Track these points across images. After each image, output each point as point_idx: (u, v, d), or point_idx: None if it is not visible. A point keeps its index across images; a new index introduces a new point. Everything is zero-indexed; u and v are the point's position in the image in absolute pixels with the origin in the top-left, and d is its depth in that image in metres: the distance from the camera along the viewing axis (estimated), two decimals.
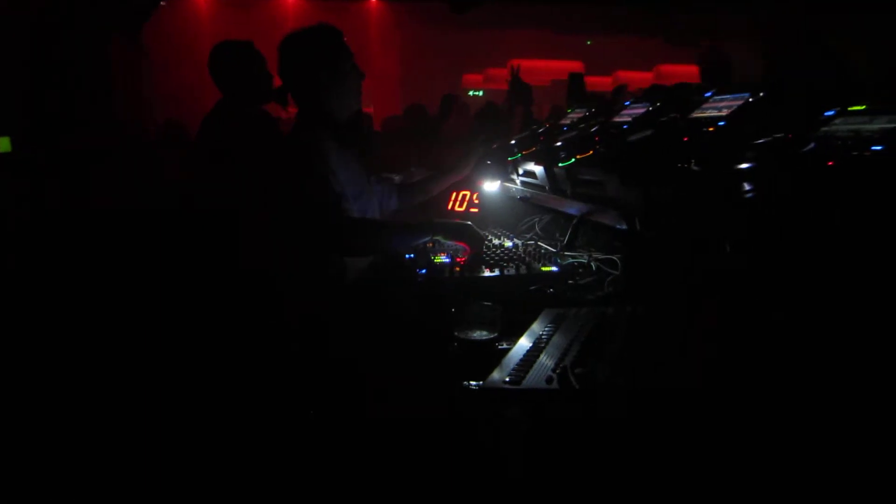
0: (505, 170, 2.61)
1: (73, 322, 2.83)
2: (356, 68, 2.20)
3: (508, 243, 2.30)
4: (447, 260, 2.05)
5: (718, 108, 1.65)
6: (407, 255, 2.11)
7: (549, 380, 1.19)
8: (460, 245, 2.04)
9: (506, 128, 4.16)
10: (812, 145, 1.23)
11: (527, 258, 2.05)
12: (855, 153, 1.13)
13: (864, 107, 1.25)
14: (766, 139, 1.32)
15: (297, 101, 2.21)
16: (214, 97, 2.88)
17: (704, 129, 1.58)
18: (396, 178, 2.76)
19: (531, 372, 1.23)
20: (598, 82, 10.62)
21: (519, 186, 2.49)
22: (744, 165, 1.30)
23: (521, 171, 2.45)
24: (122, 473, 2.06)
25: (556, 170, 2.06)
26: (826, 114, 1.31)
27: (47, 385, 2.54)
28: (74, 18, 3.03)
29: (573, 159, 1.91)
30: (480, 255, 2.01)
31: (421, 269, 1.92)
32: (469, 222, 2.07)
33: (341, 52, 2.17)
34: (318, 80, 2.12)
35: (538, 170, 2.20)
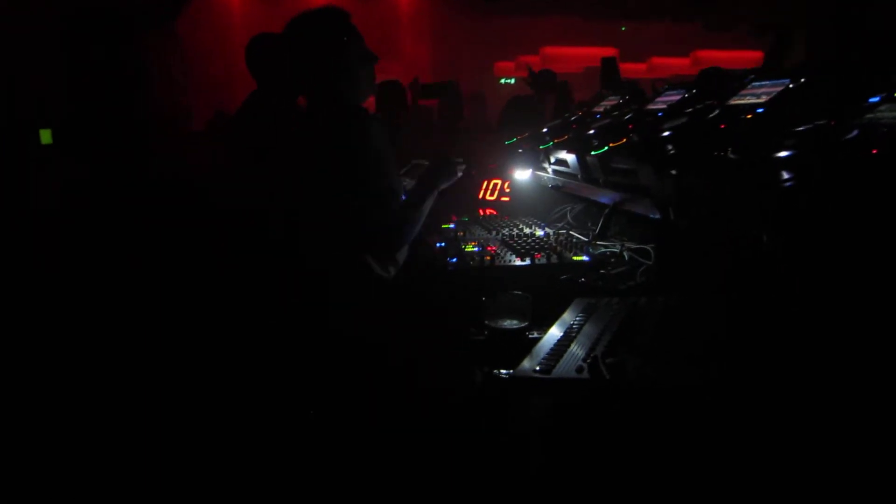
0: (536, 158, 2.59)
1: (116, 312, 2.89)
2: (367, 52, 2.06)
3: (539, 232, 2.28)
4: (478, 249, 2.05)
5: (757, 94, 1.61)
6: (438, 244, 2.11)
7: (579, 369, 1.18)
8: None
9: (536, 118, 4.11)
10: (855, 132, 1.19)
11: (558, 247, 2.03)
12: None
13: None
14: (806, 126, 1.28)
15: (306, 89, 2.07)
16: (246, 89, 2.90)
17: (742, 117, 1.54)
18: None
19: (561, 361, 1.23)
20: (633, 69, 10.46)
21: (550, 175, 2.47)
22: (783, 154, 1.26)
23: (552, 160, 2.43)
24: (145, 463, 2.10)
25: (588, 158, 2.03)
26: (871, 100, 1.26)
27: (94, 369, 2.60)
28: (111, 10, 3.07)
29: (606, 147, 1.89)
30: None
31: (451, 258, 1.92)
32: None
33: (349, 34, 2.02)
34: (326, 65, 1.97)
35: (570, 158, 2.17)
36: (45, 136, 3.95)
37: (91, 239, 3.06)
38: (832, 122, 1.25)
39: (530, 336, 1.49)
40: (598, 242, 2.07)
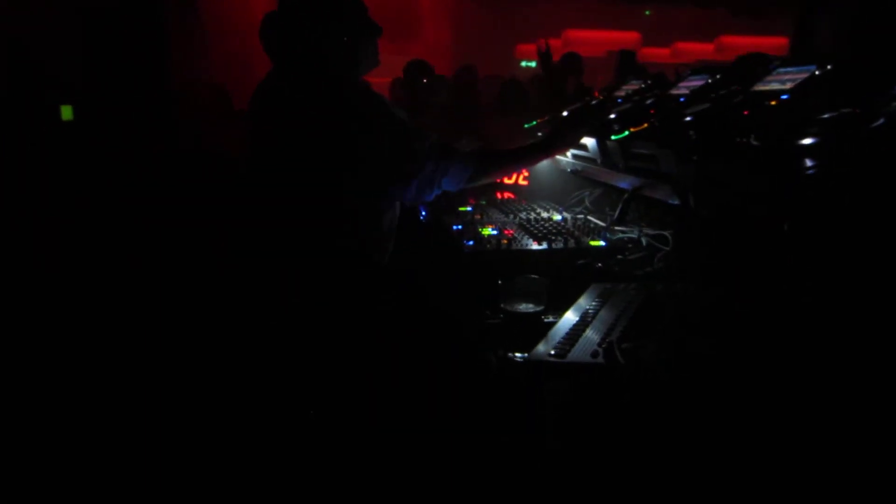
0: None
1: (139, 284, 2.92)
2: (370, 22, 1.87)
3: (557, 216, 2.27)
4: (495, 232, 2.05)
5: (782, 81, 1.58)
6: (454, 227, 2.11)
7: (594, 354, 1.18)
8: None
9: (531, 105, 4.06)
10: (881, 121, 1.18)
11: (576, 232, 2.02)
12: None
13: None
14: (831, 114, 1.26)
15: (301, 65, 1.83)
16: (265, 64, 2.89)
17: (766, 103, 1.52)
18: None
19: (577, 346, 1.23)
20: (656, 54, 10.33)
21: (570, 159, 2.46)
22: (807, 141, 1.25)
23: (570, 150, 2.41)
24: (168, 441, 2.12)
25: (608, 143, 2.02)
26: None
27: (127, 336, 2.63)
28: None
29: (627, 132, 1.87)
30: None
31: (468, 241, 1.92)
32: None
33: (351, 4, 1.84)
34: (324, 39, 1.79)
35: (590, 142, 2.16)
36: (66, 112, 3.99)
37: (117, 211, 3.08)
38: (857, 111, 1.23)
39: (546, 320, 1.49)
40: (616, 228, 2.06)
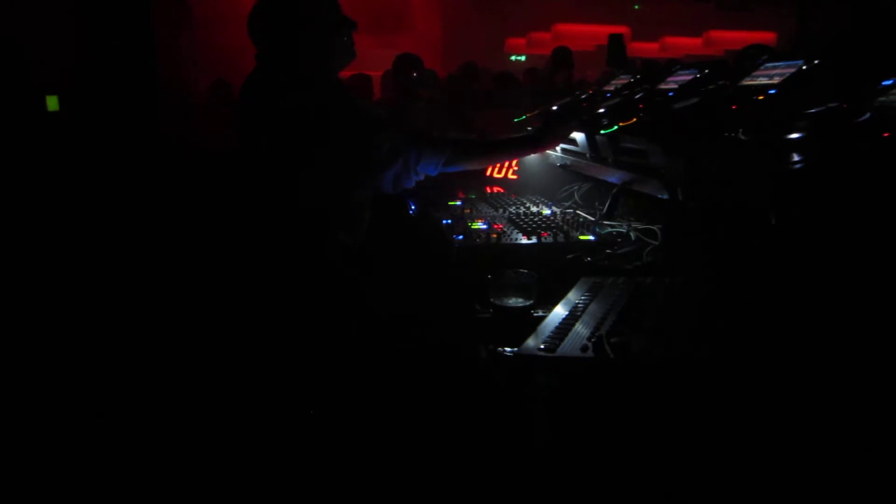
0: None
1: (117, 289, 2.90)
2: (342, 17, 1.87)
3: (546, 211, 2.28)
4: (484, 226, 2.05)
5: (770, 75, 1.59)
6: (444, 221, 2.11)
7: (584, 348, 1.18)
8: None
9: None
10: (868, 115, 1.19)
11: (565, 226, 2.03)
12: None
13: None
14: (819, 108, 1.27)
15: (274, 62, 1.86)
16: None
17: (754, 98, 1.53)
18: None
19: (566, 340, 1.23)
20: (645, 48, 10.35)
21: (559, 153, 2.46)
22: (794, 135, 1.26)
23: (558, 146, 2.42)
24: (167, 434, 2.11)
25: (597, 137, 2.02)
26: (884, 83, 1.25)
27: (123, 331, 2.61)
28: None
29: (615, 127, 1.88)
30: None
31: (458, 236, 1.92)
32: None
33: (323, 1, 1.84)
34: (296, 36, 1.80)
35: (579, 137, 2.16)
36: (52, 103, 3.95)
37: (103, 199, 3.06)
38: (844, 105, 1.24)
39: (535, 314, 1.49)
40: (605, 222, 2.06)
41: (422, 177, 1.94)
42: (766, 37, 8.77)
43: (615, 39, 3.73)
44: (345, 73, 2.07)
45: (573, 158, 2.35)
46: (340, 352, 1.68)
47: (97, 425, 2.24)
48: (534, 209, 2.31)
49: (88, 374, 2.50)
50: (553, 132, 2.05)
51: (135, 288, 2.89)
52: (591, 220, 2.11)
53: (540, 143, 2.07)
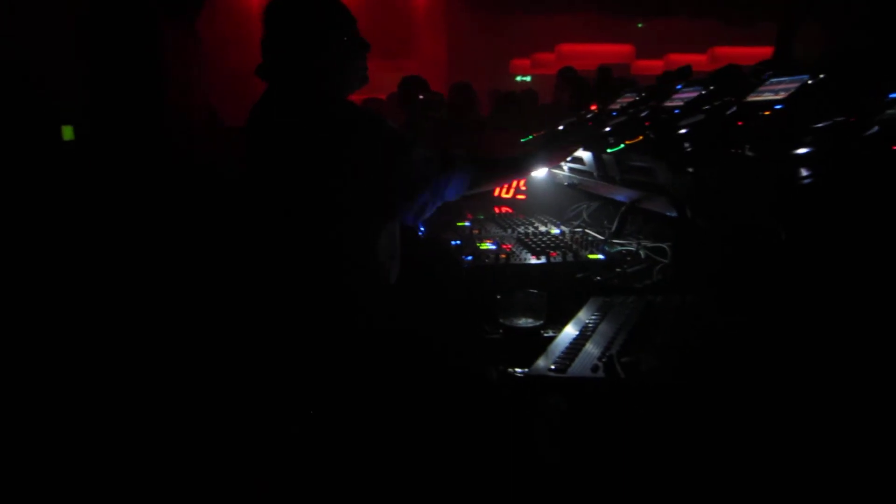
0: None
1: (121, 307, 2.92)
2: (359, 39, 1.83)
3: (555, 230, 2.27)
4: (493, 247, 2.05)
5: (775, 91, 1.59)
6: (453, 242, 2.11)
7: (594, 368, 1.17)
8: None
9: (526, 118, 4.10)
10: (875, 129, 1.18)
11: (574, 245, 2.02)
12: None
13: None
14: (825, 123, 1.27)
15: (284, 79, 1.81)
16: (262, 84, 2.90)
17: (760, 113, 1.53)
18: None
19: (577, 360, 1.22)
20: (650, 66, 10.40)
21: (566, 173, 2.46)
22: (801, 150, 1.25)
23: (568, 158, 2.42)
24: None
25: (604, 156, 2.02)
26: (891, 95, 1.25)
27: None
28: (130, 6, 3.10)
29: (622, 145, 1.88)
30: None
31: (466, 256, 1.92)
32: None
33: (338, 16, 1.80)
34: (310, 52, 1.75)
35: (586, 156, 2.16)
36: (67, 133, 4.00)
37: (107, 232, 3.08)
38: (852, 119, 1.23)
39: (545, 335, 1.48)
40: (614, 241, 2.06)
41: (441, 202, 1.87)
42: (771, 51, 8.79)
43: (603, 72, 3.80)
44: (356, 97, 2.07)
45: (581, 177, 2.35)
46: (349, 373, 1.68)
47: (95, 427, 2.25)
48: (542, 229, 2.31)
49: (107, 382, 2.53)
50: (558, 150, 2.07)
51: (145, 300, 2.91)
52: (600, 239, 2.11)
53: (550, 155, 2.11)
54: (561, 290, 1.65)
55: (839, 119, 1.26)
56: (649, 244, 1.95)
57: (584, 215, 2.47)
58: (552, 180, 2.69)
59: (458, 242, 2.10)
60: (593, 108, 2.88)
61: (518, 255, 1.92)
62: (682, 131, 1.68)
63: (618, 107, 2.44)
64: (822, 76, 1.50)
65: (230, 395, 1.98)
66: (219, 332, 2.23)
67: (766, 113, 1.51)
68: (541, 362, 1.24)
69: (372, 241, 1.76)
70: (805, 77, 1.53)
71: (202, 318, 2.50)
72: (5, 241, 3.21)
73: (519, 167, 2.16)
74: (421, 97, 4.24)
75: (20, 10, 4.08)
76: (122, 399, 2.42)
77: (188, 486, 1.98)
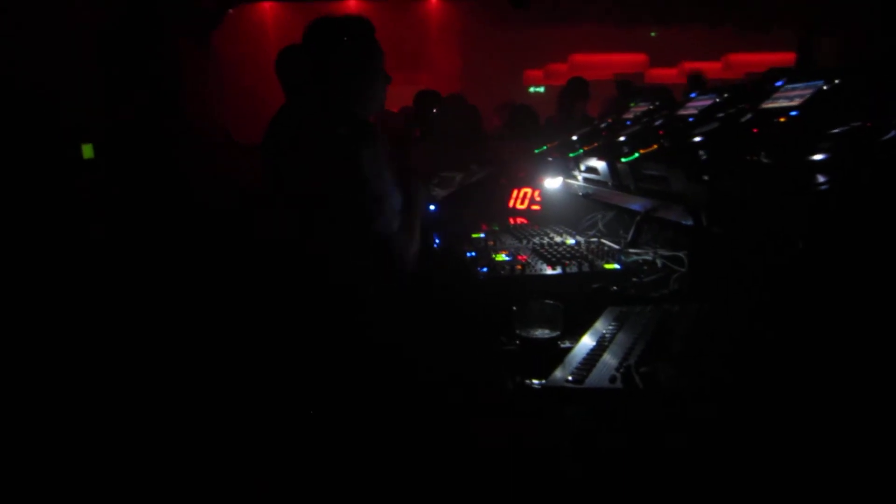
0: (566, 166, 2.58)
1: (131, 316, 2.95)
2: (384, 71, 2.05)
3: (571, 241, 2.27)
4: (508, 258, 2.05)
5: (790, 97, 1.58)
6: (468, 254, 2.11)
7: (612, 379, 1.17)
8: None
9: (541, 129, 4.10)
10: (893, 133, 1.17)
11: (589, 255, 2.02)
12: None
13: None
14: (842, 128, 1.26)
15: (318, 98, 2.01)
16: (278, 100, 2.94)
17: (775, 120, 1.52)
18: (458, 176, 2.72)
19: (594, 371, 1.22)
20: (664, 74, 10.37)
21: (581, 183, 2.46)
22: (818, 157, 1.24)
23: (583, 168, 2.42)
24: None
25: (619, 165, 2.02)
26: None
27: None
28: (147, 25, 3.16)
29: (636, 154, 1.87)
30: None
31: (482, 268, 1.92)
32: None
33: (374, 51, 2.01)
34: (348, 80, 1.96)
35: (601, 165, 2.16)
36: (87, 151, 4.07)
37: (124, 246, 3.13)
38: (868, 124, 1.22)
39: (562, 345, 1.48)
40: (630, 250, 2.05)
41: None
42: (786, 58, 8.73)
43: (623, 85, 3.80)
44: None
45: (595, 187, 2.34)
46: (356, 381, 1.68)
47: (99, 427, 2.27)
48: (558, 239, 2.30)
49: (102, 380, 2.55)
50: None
51: (154, 304, 2.94)
52: (616, 249, 2.10)
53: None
54: (577, 300, 1.64)
55: (856, 124, 1.25)
56: (665, 253, 1.94)
57: (600, 225, 2.46)
58: (567, 190, 2.69)
59: (474, 254, 2.10)
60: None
61: (534, 266, 1.92)
62: (697, 139, 1.67)
63: (631, 116, 2.44)
64: (837, 81, 1.49)
65: (230, 396, 2.00)
66: (228, 336, 2.25)
67: (782, 119, 1.50)
68: (558, 373, 1.24)
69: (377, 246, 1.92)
70: (820, 83, 1.52)
71: (212, 325, 2.53)
72: (28, 253, 3.26)
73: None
74: (434, 110, 4.26)
75: (42, 32, 4.16)
76: (125, 399, 2.45)
77: (188, 486, 1.99)
